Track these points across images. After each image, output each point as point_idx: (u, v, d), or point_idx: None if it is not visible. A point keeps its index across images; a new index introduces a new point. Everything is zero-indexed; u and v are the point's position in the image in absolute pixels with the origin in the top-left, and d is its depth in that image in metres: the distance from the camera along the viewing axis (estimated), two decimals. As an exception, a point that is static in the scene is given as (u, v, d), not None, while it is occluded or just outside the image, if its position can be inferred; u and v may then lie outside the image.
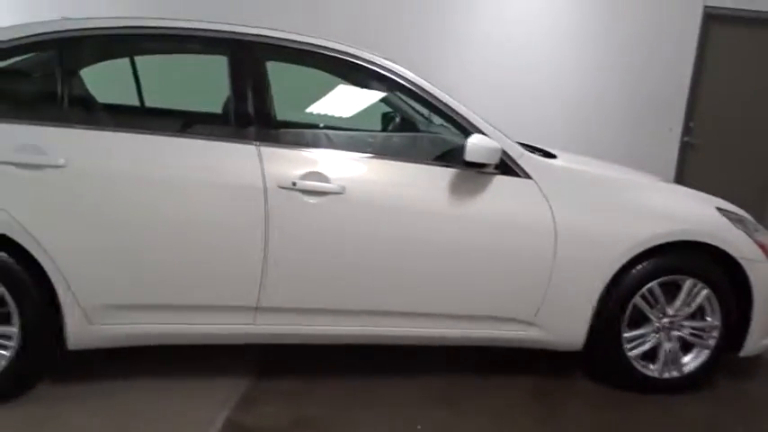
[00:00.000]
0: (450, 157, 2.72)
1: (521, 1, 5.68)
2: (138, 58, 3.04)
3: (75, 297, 2.38)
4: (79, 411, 2.44)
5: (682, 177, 5.83)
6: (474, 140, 2.52)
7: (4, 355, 2.39)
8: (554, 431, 2.55)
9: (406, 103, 3.13)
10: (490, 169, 2.61)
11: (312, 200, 2.47)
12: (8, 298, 2.34)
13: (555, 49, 5.75)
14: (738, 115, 5.93)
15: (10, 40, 2.43)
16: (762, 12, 5.69)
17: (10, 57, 2.50)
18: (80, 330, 2.43)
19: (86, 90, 2.70)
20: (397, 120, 3.34)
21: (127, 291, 2.44)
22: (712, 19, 5.76)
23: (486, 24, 5.72)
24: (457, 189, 2.60)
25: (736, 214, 2.96)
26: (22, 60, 2.52)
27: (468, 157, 2.50)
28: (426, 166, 2.66)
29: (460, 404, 2.69)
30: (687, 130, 5.93)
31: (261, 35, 2.63)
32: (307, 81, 2.92)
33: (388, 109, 3.36)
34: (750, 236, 2.87)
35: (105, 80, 2.74)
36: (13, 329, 2.37)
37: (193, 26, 2.59)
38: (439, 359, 3.03)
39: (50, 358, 2.53)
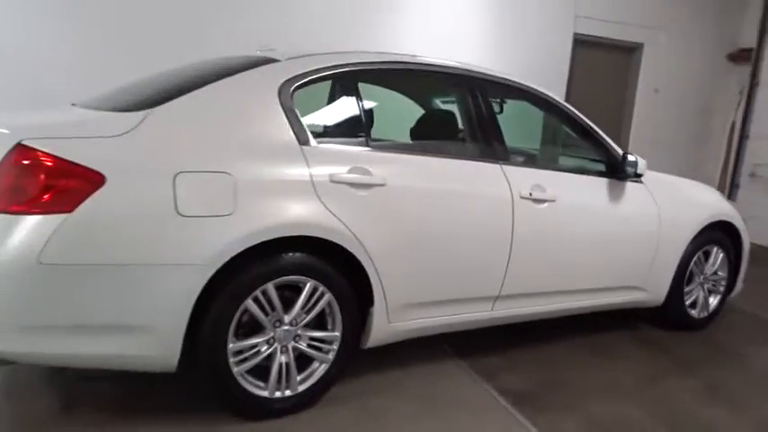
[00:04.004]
0: (586, 169, 3.54)
1: (443, 26, 6.47)
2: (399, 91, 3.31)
3: (386, 299, 2.70)
4: (393, 402, 2.76)
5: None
6: (639, 159, 3.40)
7: (328, 358, 2.63)
8: (674, 357, 3.59)
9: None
10: (637, 179, 3.51)
11: (539, 206, 3.12)
12: (335, 306, 2.59)
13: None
14: (597, 119, 7.62)
15: (313, 71, 2.65)
16: (616, 39, 7.43)
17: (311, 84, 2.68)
18: (381, 329, 2.75)
19: (388, 118, 2.96)
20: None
21: (421, 290, 2.82)
22: (580, 44, 7.32)
23: (412, 37, 6.46)
24: (615, 194, 3.45)
25: (728, 198, 4.29)
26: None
27: (639, 170, 3.39)
28: (597, 177, 3.44)
29: (606, 353, 3.57)
30: (563, 130, 7.46)
31: (491, 75, 3.20)
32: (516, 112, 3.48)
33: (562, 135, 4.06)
34: (738, 212, 4.22)
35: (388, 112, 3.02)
36: (336, 334, 2.63)
37: (438, 63, 3.06)
38: (553, 327, 3.82)
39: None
